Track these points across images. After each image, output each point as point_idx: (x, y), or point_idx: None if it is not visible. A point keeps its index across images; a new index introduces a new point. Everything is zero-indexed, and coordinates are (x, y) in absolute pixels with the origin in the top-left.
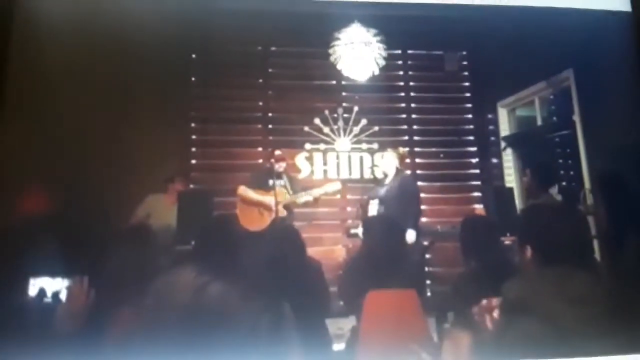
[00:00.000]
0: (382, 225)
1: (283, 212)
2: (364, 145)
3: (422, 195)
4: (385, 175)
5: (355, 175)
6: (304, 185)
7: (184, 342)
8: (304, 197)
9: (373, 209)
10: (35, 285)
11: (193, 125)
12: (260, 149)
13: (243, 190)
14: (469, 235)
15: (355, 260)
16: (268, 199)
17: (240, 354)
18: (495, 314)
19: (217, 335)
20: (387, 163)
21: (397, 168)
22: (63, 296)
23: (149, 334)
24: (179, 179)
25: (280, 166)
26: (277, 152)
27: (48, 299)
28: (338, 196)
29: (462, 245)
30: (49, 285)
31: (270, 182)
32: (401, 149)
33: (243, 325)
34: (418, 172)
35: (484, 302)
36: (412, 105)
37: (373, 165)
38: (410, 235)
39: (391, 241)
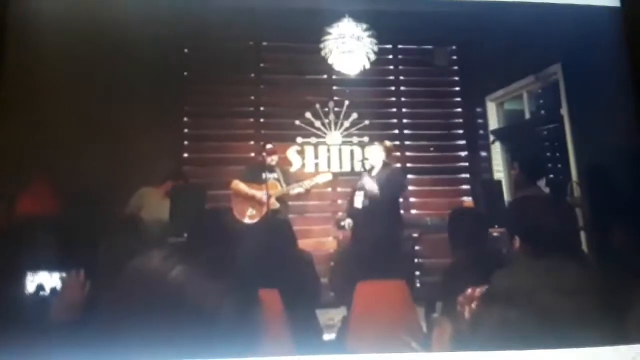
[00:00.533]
0: (370, 217)
1: (276, 205)
2: (355, 139)
3: (412, 188)
4: (372, 167)
5: (346, 168)
6: (296, 178)
7: (156, 331)
8: (295, 189)
9: (358, 200)
10: (32, 281)
11: (185, 119)
12: (252, 142)
13: (236, 184)
14: (457, 227)
15: (345, 251)
16: (261, 192)
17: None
18: (477, 304)
19: (186, 324)
20: (373, 156)
21: (383, 161)
22: (60, 290)
23: (126, 325)
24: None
25: (272, 159)
26: (269, 146)
27: (45, 292)
28: (329, 189)
29: (450, 236)
30: (45, 280)
31: (264, 175)
32: (387, 142)
33: (209, 314)
34: (408, 165)
35: (469, 291)
36: (402, 99)
37: (364, 159)
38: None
39: (379, 232)
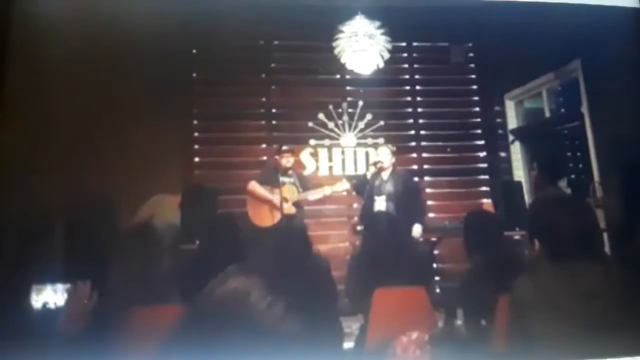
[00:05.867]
0: (387, 222)
1: (292, 210)
2: (370, 140)
3: (429, 190)
4: (382, 170)
5: (361, 171)
6: (312, 181)
7: (193, 341)
8: (314, 195)
9: (379, 205)
10: (40, 292)
11: (195, 122)
12: (264, 145)
13: (253, 185)
14: (472, 231)
15: (362, 257)
16: (277, 195)
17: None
18: (414, 349)
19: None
20: (383, 158)
21: (392, 164)
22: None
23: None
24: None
25: (288, 161)
26: (284, 148)
27: (52, 303)
28: (344, 192)
29: (466, 241)
30: (55, 291)
31: (280, 179)
32: (390, 145)
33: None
34: (425, 167)
35: (404, 338)
36: (418, 98)
37: (376, 162)
38: (417, 230)
39: (397, 238)
